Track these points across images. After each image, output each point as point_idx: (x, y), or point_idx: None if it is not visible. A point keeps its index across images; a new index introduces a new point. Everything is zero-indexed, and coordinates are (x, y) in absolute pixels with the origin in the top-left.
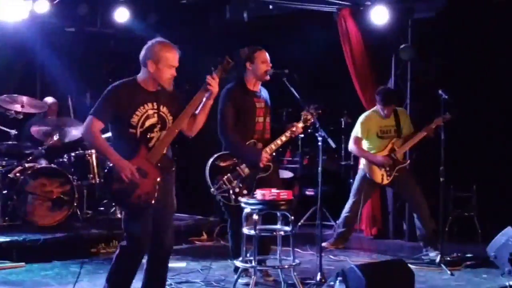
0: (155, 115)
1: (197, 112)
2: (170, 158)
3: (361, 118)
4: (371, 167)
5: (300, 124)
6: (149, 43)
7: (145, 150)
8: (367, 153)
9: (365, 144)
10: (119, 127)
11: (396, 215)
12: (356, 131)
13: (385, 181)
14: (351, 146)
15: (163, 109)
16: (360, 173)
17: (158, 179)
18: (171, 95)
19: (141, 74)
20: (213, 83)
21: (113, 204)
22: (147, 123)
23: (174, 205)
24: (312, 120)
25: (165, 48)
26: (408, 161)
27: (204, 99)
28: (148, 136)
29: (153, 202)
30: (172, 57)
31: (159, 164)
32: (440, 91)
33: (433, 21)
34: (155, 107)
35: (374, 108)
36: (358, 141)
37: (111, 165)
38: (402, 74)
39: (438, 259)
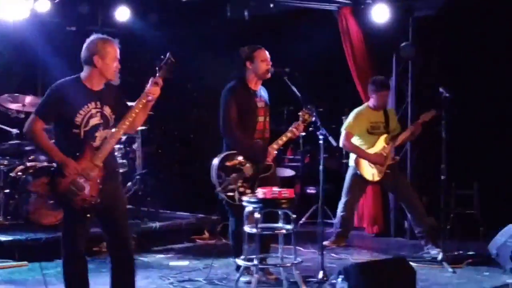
0: (98, 114)
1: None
2: (115, 159)
3: (352, 113)
4: (361, 164)
5: (298, 124)
6: (90, 40)
7: (90, 150)
8: (360, 149)
9: (355, 140)
10: (63, 127)
11: (397, 213)
12: (347, 126)
13: (376, 178)
14: (343, 141)
15: (106, 109)
16: (350, 171)
17: (103, 181)
18: (115, 94)
19: (84, 73)
20: (155, 90)
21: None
22: (91, 122)
23: (125, 202)
24: (313, 119)
25: (108, 42)
26: (398, 158)
27: (144, 102)
28: (92, 136)
29: (96, 204)
30: (115, 50)
31: (104, 166)
32: (441, 89)
33: (434, 19)
34: (99, 106)
35: (365, 104)
36: (349, 136)
37: (55, 166)
38: (403, 72)
39: (439, 256)
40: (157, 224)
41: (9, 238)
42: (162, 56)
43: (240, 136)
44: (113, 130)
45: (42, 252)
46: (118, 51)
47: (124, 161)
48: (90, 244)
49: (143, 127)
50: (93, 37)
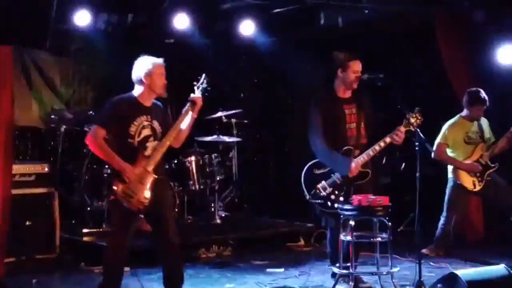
0: (149, 126)
1: (183, 126)
2: (163, 166)
3: (446, 125)
4: (460, 174)
5: (402, 128)
6: (138, 61)
7: (142, 158)
8: (453, 159)
9: (451, 152)
10: (119, 137)
11: (499, 220)
12: (441, 137)
13: (478, 187)
14: (436, 153)
15: (155, 123)
16: (449, 183)
17: (153, 184)
18: (162, 111)
19: (136, 91)
20: (198, 100)
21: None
22: (143, 133)
23: (171, 201)
24: (418, 122)
25: (154, 62)
26: (497, 164)
27: (189, 115)
28: (144, 145)
29: (147, 205)
30: (161, 69)
31: (154, 172)
32: None
33: None
34: (149, 119)
35: (458, 115)
36: (442, 147)
37: (113, 171)
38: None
39: None
40: (253, 231)
41: None
42: (199, 77)
43: (323, 146)
44: (162, 141)
45: (144, 258)
46: (164, 69)
47: (221, 169)
48: (189, 251)
49: (238, 138)
50: (140, 58)
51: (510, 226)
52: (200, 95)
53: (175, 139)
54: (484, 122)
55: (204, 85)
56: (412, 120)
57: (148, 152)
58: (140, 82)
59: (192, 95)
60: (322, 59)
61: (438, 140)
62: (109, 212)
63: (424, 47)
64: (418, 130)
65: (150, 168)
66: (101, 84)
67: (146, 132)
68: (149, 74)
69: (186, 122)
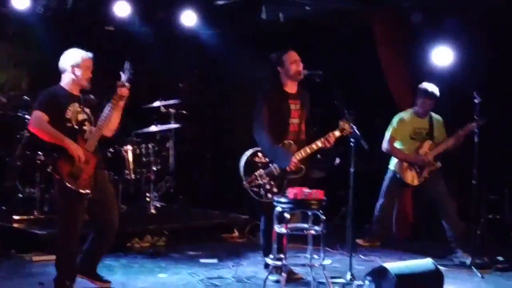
0: (83, 112)
1: (111, 116)
2: (100, 150)
3: (396, 118)
4: (402, 168)
5: (337, 133)
6: (67, 53)
7: (82, 140)
8: (401, 152)
9: (398, 145)
10: (57, 123)
11: (427, 216)
12: (390, 130)
13: (415, 182)
14: (385, 145)
15: (87, 110)
16: (389, 174)
17: (97, 166)
18: (91, 100)
19: (63, 80)
20: (124, 89)
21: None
22: (79, 118)
23: (112, 189)
24: (350, 130)
25: (82, 55)
26: (439, 164)
27: (116, 102)
28: (82, 128)
29: (91, 189)
30: (88, 61)
31: (94, 153)
32: (474, 94)
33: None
34: (81, 106)
35: (410, 109)
36: (391, 141)
37: (55, 155)
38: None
39: (469, 261)
40: (188, 222)
41: (44, 232)
42: (124, 64)
43: (266, 138)
44: (97, 125)
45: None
46: (91, 62)
47: (157, 159)
48: (123, 240)
49: (177, 125)
50: (70, 50)
51: (438, 222)
52: (126, 84)
53: (106, 127)
54: (436, 119)
55: (129, 73)
56: (346, 126)
57: (86, 135)
58: (67, 72)
59: (118, 83)
60: (263, 53)
61: (387, 133)
62: (54, 200)
63: (362, 45)
64: (354, 126)
65: (90, 149)
66: (36, 69)
67: (81, 116)
68: (76, 66)
69: (114, 111)
